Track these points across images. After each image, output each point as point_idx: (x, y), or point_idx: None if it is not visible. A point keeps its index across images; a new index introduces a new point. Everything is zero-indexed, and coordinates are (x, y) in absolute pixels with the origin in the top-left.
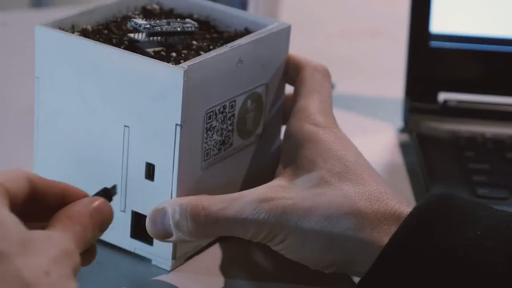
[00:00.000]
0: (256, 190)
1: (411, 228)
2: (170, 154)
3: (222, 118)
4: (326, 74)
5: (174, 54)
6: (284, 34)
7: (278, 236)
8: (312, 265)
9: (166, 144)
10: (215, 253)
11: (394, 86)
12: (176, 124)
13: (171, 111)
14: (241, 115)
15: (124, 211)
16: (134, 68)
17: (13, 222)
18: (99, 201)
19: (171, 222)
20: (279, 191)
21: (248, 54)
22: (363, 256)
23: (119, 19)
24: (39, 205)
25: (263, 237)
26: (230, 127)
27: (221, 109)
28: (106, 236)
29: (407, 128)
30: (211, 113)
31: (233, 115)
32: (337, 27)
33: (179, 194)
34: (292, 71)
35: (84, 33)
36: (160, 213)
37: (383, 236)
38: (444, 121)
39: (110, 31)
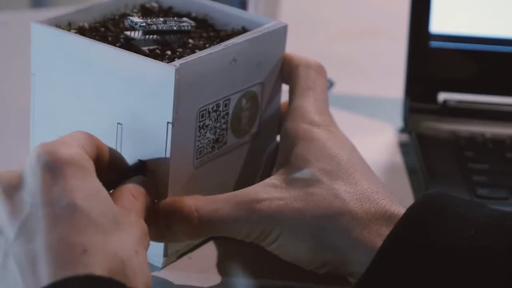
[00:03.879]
0: (248, 190)
1: (406, 229)
2: (162, 152)
3: (215, 117)
4: (320, 70)
5: (169, 52)
6: (281, 33)
7: (270, 237)
8: (305, 266)
9: (158, 142)
10: (207, 250)
11: (394, 86)
12: (168, 122)
13: (163, 109)
14: (236, 113)
15: None
16: (127, 65)
17: (106, 195)
18: (146, 180)
19: (164, 223)
20: (271, 191)
21: (243, 53)
22: (355, 256)
23: (117, 17)
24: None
25: (255, 237)
26: (224, 126)
27: (215, 108)
28: None
29: (407, 128)
30: (204, 112)
31: (227, 114)
32: (337, 27)
33: (171, 192)
34: (286, 70)
35: (81, 31)
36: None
37: (374, 236)
38: (444, 121)
39: (107, 29)
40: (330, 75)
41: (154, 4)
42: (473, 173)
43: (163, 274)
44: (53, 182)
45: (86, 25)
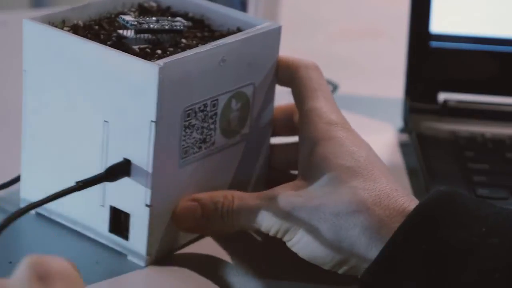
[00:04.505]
0: (271, 189)
1: (415, 223)
2: (146, 150)
3: (202, 117)
4: (319, 70)
5: (159, 51)
6: (274, 34)
7: (289, 232)
8: (323, 264)
9: (142, 140)
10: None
11: (394, 86)
12: (151, 121)
13: (147, 108)
14: (225, 114)
15: (103, 206)
16: (113, 63)
17: None
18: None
19: (202, 216)
20: (291, 189)
21: (232, 53)
22: (372, 254)
23: (113, 16)
24: None
25: (275, 232)
26: (212, 126)
27: (202, 108)
28: (85, 230)
29: (407, 128)
30: (190, 111)
31: (215, 114)
32: (337, 27)
33: (154, 190)
34: (284, 73)
35: (75, 28)
36: (193, 207)
37: (392, 234)
38: (444, 121)
39: (101, 27)
40: (330, 75)
41: (153, 4)
42: (473, 173)
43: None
44: None
45: (81, 23)
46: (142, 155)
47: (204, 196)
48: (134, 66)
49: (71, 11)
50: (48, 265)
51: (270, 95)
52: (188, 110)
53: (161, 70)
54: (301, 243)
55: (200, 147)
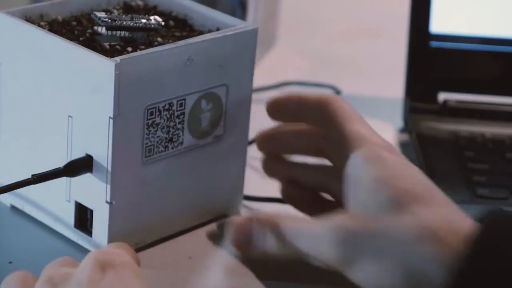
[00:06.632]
0: (328, 218)
1: (478, 251)
2: (105, 146)
3: (168, 116)
4: (344, 100)
5: (129, 49)
6: (249, 36)
7: (349, 262)
8: None
9: (102, 136)
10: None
11: (394, 86)
12: (109, 117)
13: (106, 104)
14: (194, 114)
15: (69, 201)
16: (75, 58)
17: None
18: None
19: (258, 236)
20: (347, 215)
21: (201, 53)
22: (429, 275)
23: None
24: None
25: (332, 262)
26: (179, 126)
27: (167, 106)
28: (53, 224)
29: (407, 128)
30: (154, 109)
31: (182, 114)
32: (337, 27)
33: (115, 187)
34: (313, 111)
35: (52, 24)
36: (248, 225)
37: (447, 253)
38: (444, 121)
39: (79, 23)
40: (331, 75)
41: (139, 2)
42: (473, 173)
43: (165, 274)
44: (101, 277)
45: (60, 18)
46: (103, 152)
47: (261, 214)
48: (93, 61)
49: (50, 6)
50: (112, 256)
51: (246, 97)
52: (151, 108)
53: (118, 67)
54: (364, 273)
55: (166, 146)
